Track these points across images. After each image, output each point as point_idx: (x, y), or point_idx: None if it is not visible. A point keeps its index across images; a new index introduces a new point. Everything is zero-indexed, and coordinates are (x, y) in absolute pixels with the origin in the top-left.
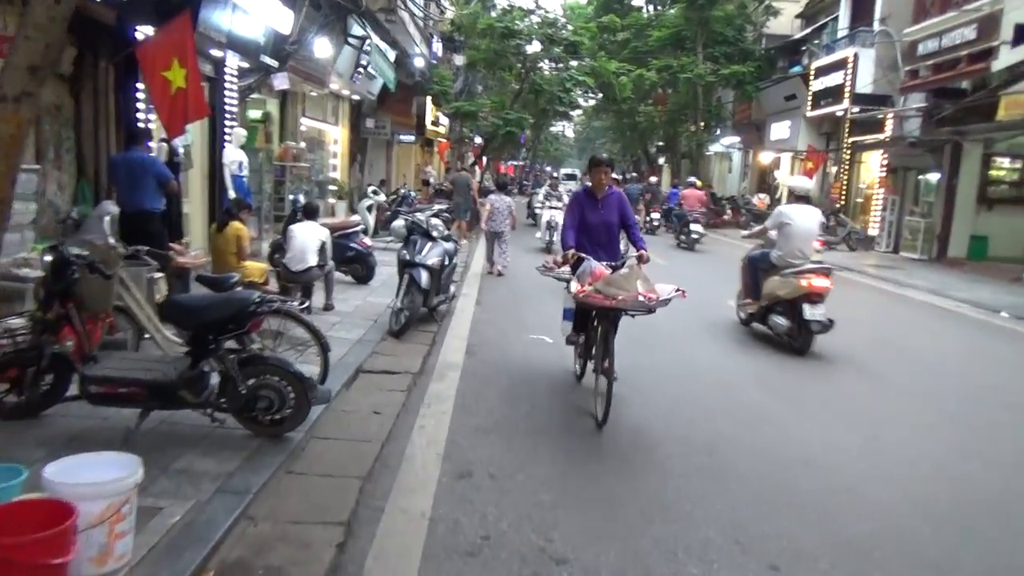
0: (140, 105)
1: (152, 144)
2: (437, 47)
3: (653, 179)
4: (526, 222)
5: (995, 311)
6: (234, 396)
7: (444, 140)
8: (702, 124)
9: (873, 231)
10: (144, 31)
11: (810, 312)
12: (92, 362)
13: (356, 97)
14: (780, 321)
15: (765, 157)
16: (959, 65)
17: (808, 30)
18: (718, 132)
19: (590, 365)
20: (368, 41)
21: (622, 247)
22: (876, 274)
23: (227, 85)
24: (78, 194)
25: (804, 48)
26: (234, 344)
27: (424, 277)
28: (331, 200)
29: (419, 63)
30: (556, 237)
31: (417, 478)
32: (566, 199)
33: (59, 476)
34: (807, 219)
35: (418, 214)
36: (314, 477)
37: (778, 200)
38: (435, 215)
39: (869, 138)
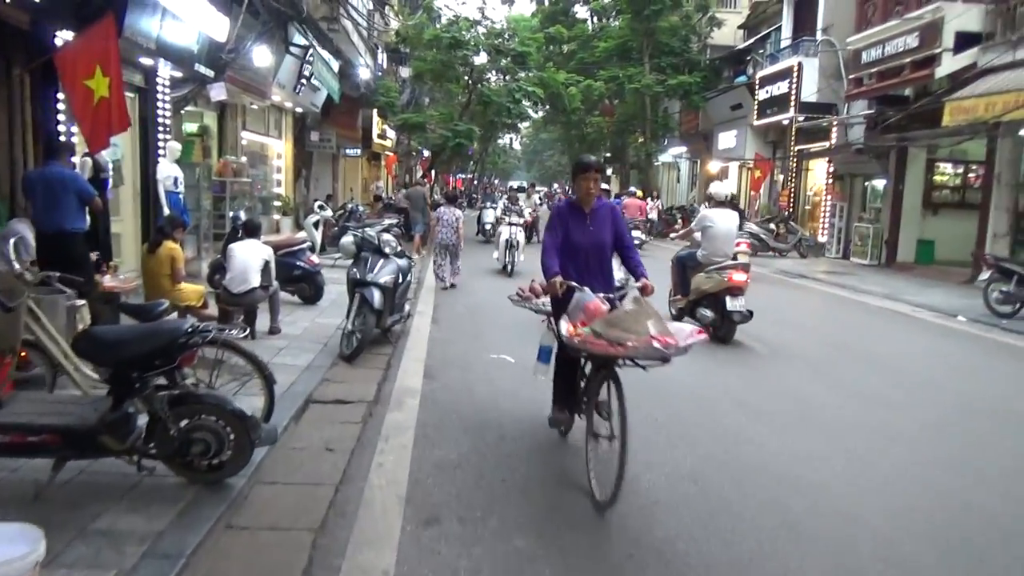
0: (60, 116)
1: (75, 159)
2: (382, 59)
3: (605, 186)
4: (475, 238)
5: (951, 315)
6: (164, 440)
7: (391, 153)
8: (650, 135)
9: (823, 238)
10: (63, 36)
11: (731, 304)
12: None
13: (299, 109)
14: (706, 313)
15: (713, 166)
16: (903, 72)
17: (751, 40)
18: (666, 142)
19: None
20: (311, 51)
21: (619, 275)
22: (831, 280)
23: (159, 96)
24: None
25: (749, 58)
26: (164, 380)
27: (377, 297)
28: (276, 216)
29: (364, 74)
30: (518, 258)
31: (377, 528)
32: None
33: None
34: (727, 221)
35: (368, 229)
36: (259, 532)
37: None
38: (386, 230)
39: (815, 146)
